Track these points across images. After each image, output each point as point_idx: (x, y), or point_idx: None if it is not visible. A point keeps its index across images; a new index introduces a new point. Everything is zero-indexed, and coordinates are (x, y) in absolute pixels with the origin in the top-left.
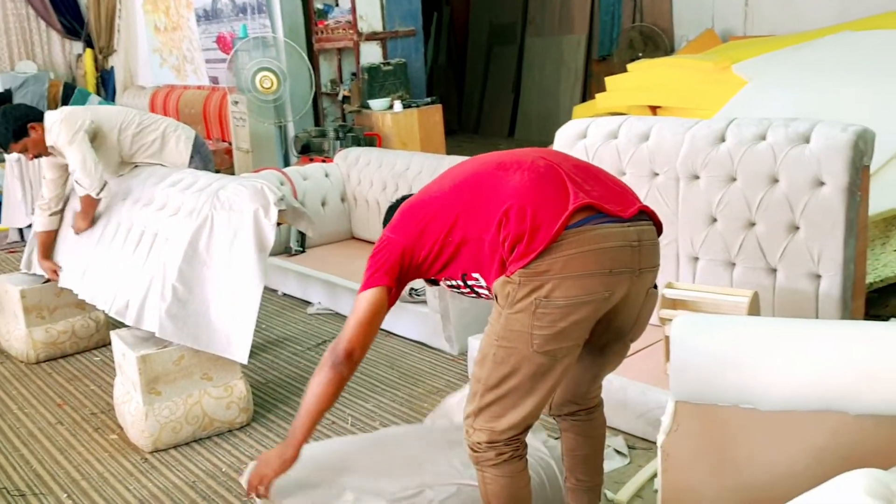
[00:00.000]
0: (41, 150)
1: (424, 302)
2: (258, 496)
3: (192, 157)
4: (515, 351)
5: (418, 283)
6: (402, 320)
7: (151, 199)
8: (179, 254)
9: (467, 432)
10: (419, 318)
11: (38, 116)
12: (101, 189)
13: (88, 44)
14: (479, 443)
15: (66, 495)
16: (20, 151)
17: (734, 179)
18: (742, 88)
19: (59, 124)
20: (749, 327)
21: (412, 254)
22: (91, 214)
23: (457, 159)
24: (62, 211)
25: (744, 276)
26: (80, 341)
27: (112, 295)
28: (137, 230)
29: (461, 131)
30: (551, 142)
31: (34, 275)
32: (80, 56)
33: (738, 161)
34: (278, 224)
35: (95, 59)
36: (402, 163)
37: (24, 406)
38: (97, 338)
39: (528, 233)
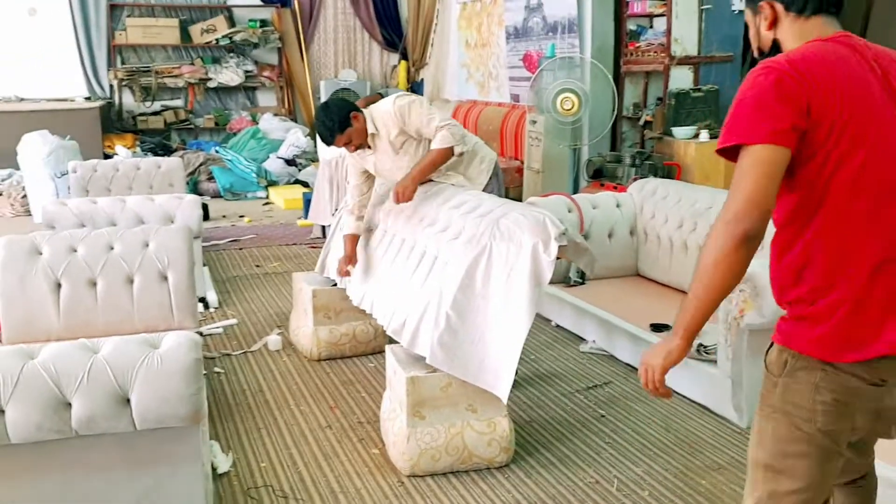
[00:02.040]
0: (362, 140)
1: (714, 361)
2: (657, 394)
3: (489, 179)
4: (796, 427)
5: (709, 340)
6: (686, 378)
7: (436, 220)
8: (456, 281)
9: None
10: (706, 379)
11: (357, 108)
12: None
13: (404, 56)
14: None
15: None
16: (344, 144)
17: None
18: None
19: (391, 102)
20: None
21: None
22: (431, 171)
23: None
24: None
25: None
26: (359, 345)
27: (391, 312)
28: (419, 250)
29: None
30: None
31: (326, 277)
32: (394, 67)
33: None
34: (557, 258)
35: (408, 71)
36: (705, 201)
37: (301, 403)
38: (374, 344)
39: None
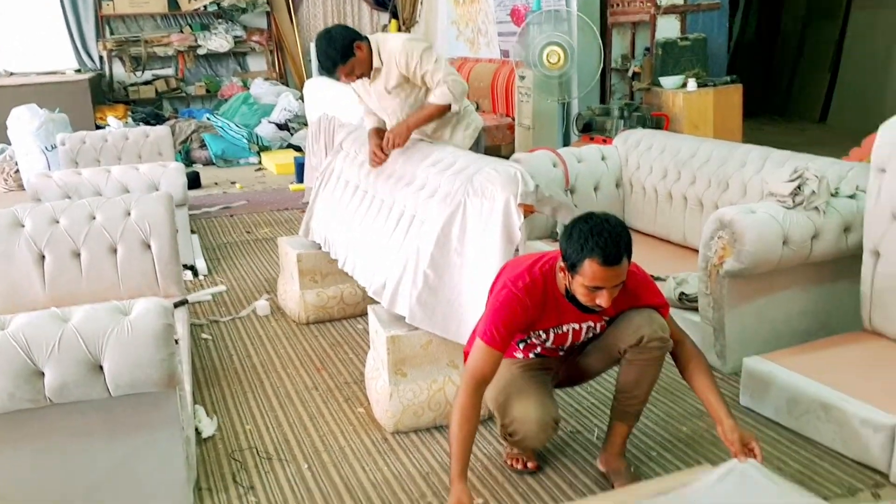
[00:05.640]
0: (364, 71)
1: (696, 309)
2: None
3: (471, 147)
4: None
5: (690, 288)
6: None
7: (413, 178)
8: (432, 239)
9: None
10: (689, 328)
11: (360, 36)
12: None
13: (394, 15)
14: None
15: (307, 466)
16: (346, 74)
17: None
18: None
19: (402, 40)
20: None
21: None
22: (425, 123)
23: (753, 148)
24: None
25: None
26: (347, 308)
27: (371, 273)
28: (398, 209)
29: (764, 114)
30: (872, 130)
31: (312, 241)
32: (385, 27)
33: None
34: (532, 213)
35: (399, 30)
36: (688, 149)
37: (288, 365)
38: (363, 306)
39: None
